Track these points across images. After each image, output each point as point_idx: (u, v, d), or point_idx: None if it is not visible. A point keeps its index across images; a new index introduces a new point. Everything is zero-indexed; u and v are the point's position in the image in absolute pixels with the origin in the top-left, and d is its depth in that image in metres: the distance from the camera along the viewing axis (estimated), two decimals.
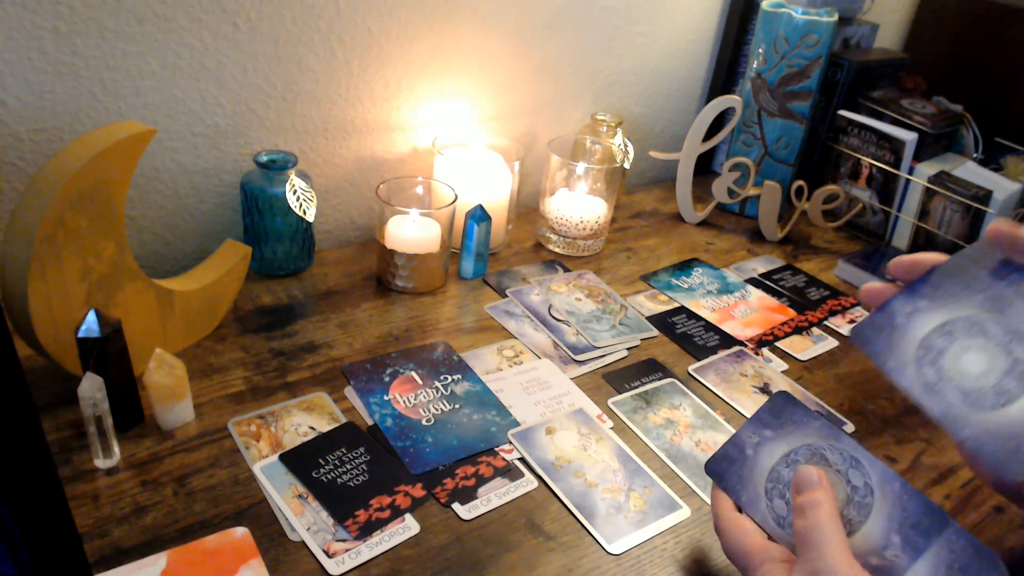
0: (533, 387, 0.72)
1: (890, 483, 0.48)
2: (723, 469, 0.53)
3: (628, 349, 0.80)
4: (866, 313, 0.92)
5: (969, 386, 0.46)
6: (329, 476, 0.60)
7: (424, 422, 0.66)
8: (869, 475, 0.48)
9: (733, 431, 0.70)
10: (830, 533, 0.44)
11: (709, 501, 0.60)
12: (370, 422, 0.66)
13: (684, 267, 0.98)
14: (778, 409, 0.54)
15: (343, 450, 0.62)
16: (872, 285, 0.52)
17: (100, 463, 0.58)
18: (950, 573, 0.44)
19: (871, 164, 1.07)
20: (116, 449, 0.59)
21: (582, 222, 0.95)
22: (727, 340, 0.84)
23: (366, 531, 0.56)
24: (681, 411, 0.72)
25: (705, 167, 1.25)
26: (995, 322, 0.47)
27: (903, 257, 0.51)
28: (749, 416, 0.72)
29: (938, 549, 0.45)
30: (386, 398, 0.69)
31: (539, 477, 0.62)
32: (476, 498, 0.60)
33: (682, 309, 0.89)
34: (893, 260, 0.51)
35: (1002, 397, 0.45)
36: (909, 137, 1.03)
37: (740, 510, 0.52)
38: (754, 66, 1.04)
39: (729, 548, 0.50)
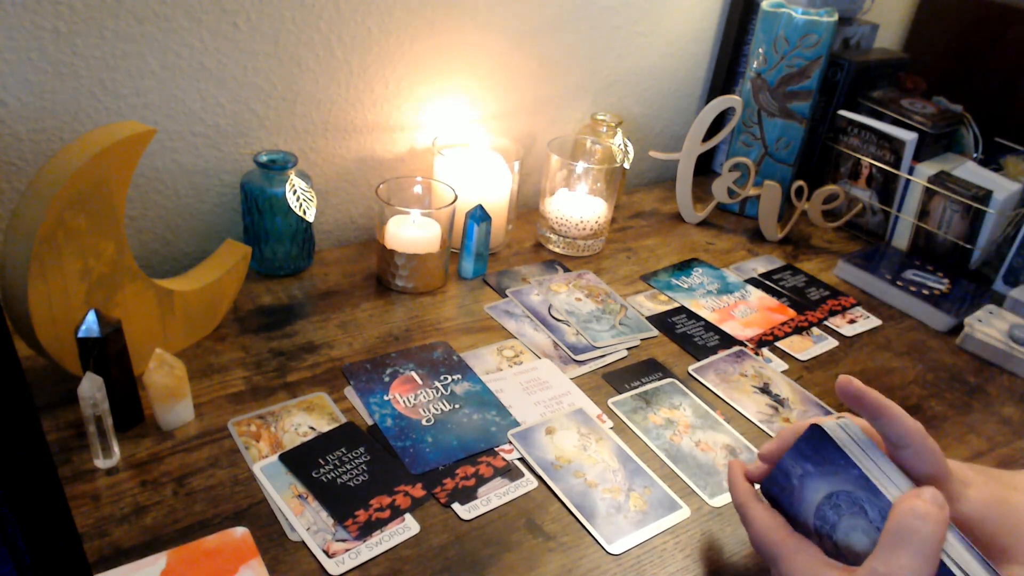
0: (533, 387, 0.72)
1: None
2: (776, 495, 0.51)
3: (628, 349, 0.80)
4: (872, 317, 0.92)
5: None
6: (329, 476, 0.60)
7: (424, 422, 0.66)
8: None
9: (733, 431, 0.70)
10: (933, 549, 0.41)
11: (727, 487, 0.59)
12: (370, 422, 0.66)
13: (684, 267, 0.98)
14: (816, 443, 0.49)
15: (343, 450, 0.62)
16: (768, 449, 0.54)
17: (100, 463, 0.58)
18: None
19: (871, 164, 1.07)
20: (116, 449, 0.59)
21: (582, 222, 0.95)
22: (727, 340, 0.84)
23: (366, 531, 0.56)
24: (681, 411, 0.72)
25: (705, 167, 1.25)
26: (871, 504, 0.45)
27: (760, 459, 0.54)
28: (748, 416, 0.72)
29: None
30: (386, 398, 0.69)
31: (539, 477, 0.62)
32: (476, 498, 0.60)
33: (682, 309, 0.89)
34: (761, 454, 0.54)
35: None
36: (909, 137, 1.03)
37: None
38: (754, 66, 1.05)
39: (758, 536, 0.49)
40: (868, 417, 0.48)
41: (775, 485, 0.52)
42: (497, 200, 0.92)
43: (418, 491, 0.60)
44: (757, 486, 0.54)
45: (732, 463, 0.56)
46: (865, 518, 0.46)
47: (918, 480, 0.47)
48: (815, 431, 0.49)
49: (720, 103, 1.03)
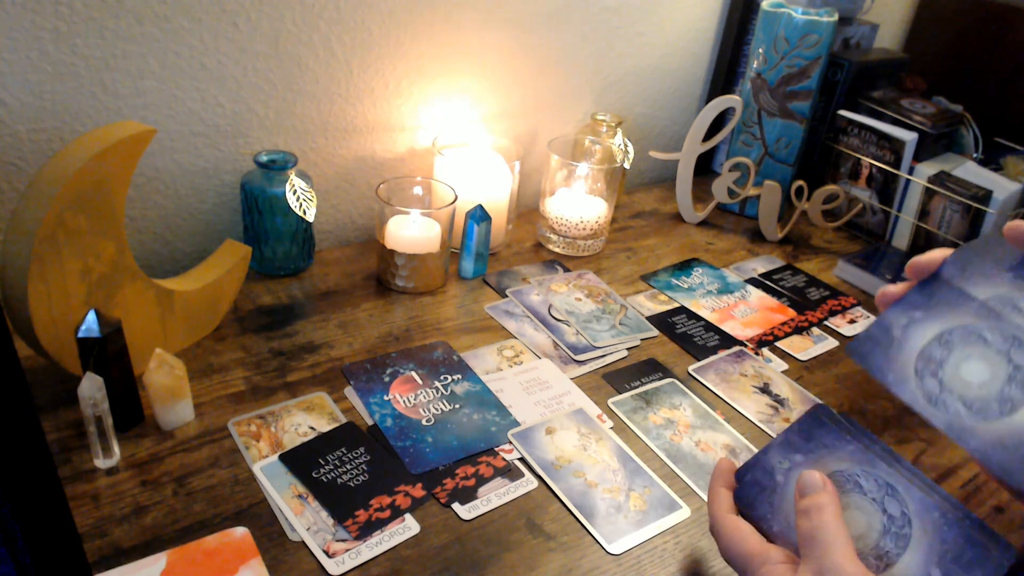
0: (533, 387, 0.72)
1: (929, 512, 0.46)
2: (753, 496, 0.51)
3: (628, 349, 0.80)
4: (873, 318, 0.92)
5: (971, 396, 0.45)
6: (329, 476, 0.60)
7: (424, 422, 0.66)
8: (906, 504, 0.47)
9: (733, 431, 0.70)
10: (835, 533, 0.44)
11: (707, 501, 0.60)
12: (370, 422, 0.66)
13: (684, 267, 0.98)
14: (807, 431, 0.51)
15: (343, 450, 0.62)
16: (888, 288, 0.51)
17: (100, 463, 0.58)
18: None
19: (871, 164, 1.07)
20: (116, 449, 0.59)
21: (582, 222, 0.95)
22: (727, 340, 0.84)
23: (366, 531, 0.56)
24: (681, 411, 0.72)
25: (705, 167, 1.25)
26: (993, 329, 0.47)
27: (920, 258, 0.50)
28: (748, 416, 0.72)
29: None
30: (386, 398, 0.69)
31: (539, 477, 0.62)
32: (476, 498, 0.60)
33: (682, 309, 0.89)
34: (911, 262, 0.50)
35: (1006, 405, 0.44)
36: (909, 137, 1.03)
37: (739, 513, 0.52)
38: (754, 66, 1.04)
39: (727, 550, 0.49)
40: None
41: (755, 487, 0.52)
42: (497, 200, 0.92)
43: (418, 491, 0.60)
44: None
45: (712, 485, 0.55)
46: (860, 492, 0.48)
47: None
48: (810, 417, 0.51)
49: (720, 103, 1.03)
